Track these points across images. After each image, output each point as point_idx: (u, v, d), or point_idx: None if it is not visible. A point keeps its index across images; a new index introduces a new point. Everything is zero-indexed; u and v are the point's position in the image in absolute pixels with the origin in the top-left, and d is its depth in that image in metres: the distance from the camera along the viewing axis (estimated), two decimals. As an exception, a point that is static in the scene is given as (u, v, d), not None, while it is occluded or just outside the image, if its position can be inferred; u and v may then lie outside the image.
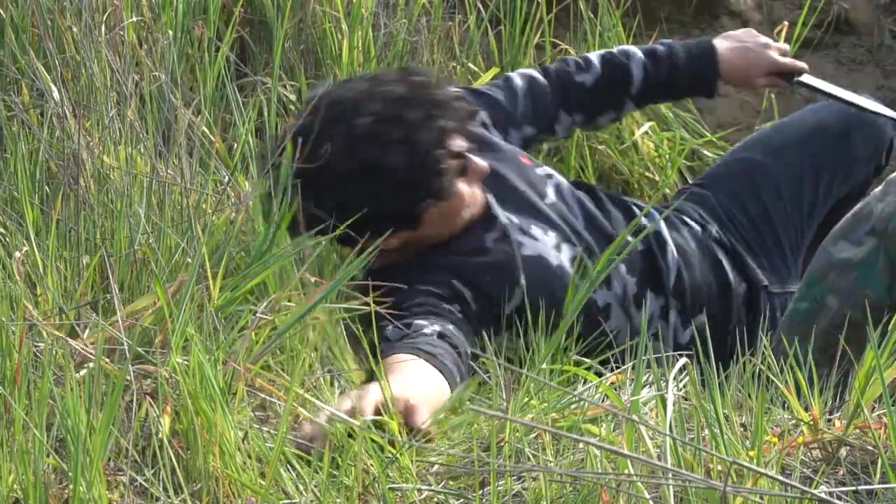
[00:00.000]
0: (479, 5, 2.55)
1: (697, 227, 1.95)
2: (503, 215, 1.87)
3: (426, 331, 1.62)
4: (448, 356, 1.60)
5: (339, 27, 2.37)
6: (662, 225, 1.90)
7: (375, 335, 1.58)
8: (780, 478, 1.16)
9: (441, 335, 1.63)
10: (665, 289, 1.87)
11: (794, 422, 1.38)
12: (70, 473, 1.12)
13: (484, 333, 1.68)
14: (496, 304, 1.77)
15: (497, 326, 1.74)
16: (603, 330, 1.80)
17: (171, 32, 2.08)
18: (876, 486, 1.22)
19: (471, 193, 1.83)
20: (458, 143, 1.81)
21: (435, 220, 1.81)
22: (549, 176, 1.95)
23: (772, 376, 1.43)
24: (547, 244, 1.83)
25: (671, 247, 1.89)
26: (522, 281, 1.79)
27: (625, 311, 1.83)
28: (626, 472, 1.21)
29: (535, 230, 1.85)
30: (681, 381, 1.39)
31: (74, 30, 1.94)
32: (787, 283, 1.99)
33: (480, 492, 1.22)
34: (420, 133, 1.77)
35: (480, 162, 1.83)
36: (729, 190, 2.09)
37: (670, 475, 1.18)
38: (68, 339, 1.33)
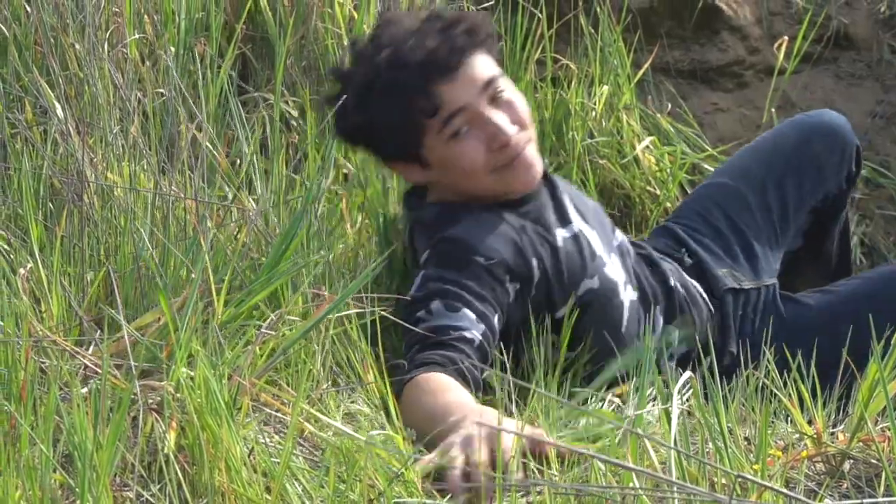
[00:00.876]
0: None
1: (668, 263, 1.98)
2: (580, 221, 1.84)
3: (468, 335, 1.59)
4: (477, 373, 1.59)
5: (340, 43, 2.36)
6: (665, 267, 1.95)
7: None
8: (785, 491, 1.15)
9: (480, 347, 1.59)
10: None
11: (797, 435, 1.37)
12: (77, 489, 1.11)
13: (531, 323, 1.66)
14: (549, 304, 1.74)
15: (545, 321, 1.71)
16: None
17: (173, 49, 2.07)
18: (880, 500, 1.21)
19: (468, 154, 1.76)
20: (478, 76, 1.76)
21: (440, 162, 1.77)
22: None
23: (775, 390, 1.42)
24: (621, 276, 1.81)
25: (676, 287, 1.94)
26: (583, 291, 1.76)
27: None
28: (630, 485, 1.20)
29: (614, 258, 1.83)
30: (685, 394, 1.38)
31: (77, 47, 1.93)
32: (761, 278, 2.02)
33: None
34: (410, 55, 1.75)
35: (493, 120, 1.75)
36: (691, 214, 2.11)
37: (675, 488, 1.17)
38: (76, 351, 1.32)
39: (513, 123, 1.75)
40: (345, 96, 1.76)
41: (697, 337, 1.86)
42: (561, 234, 1.78)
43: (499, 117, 1.73)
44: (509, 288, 1.67)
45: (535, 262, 1.71)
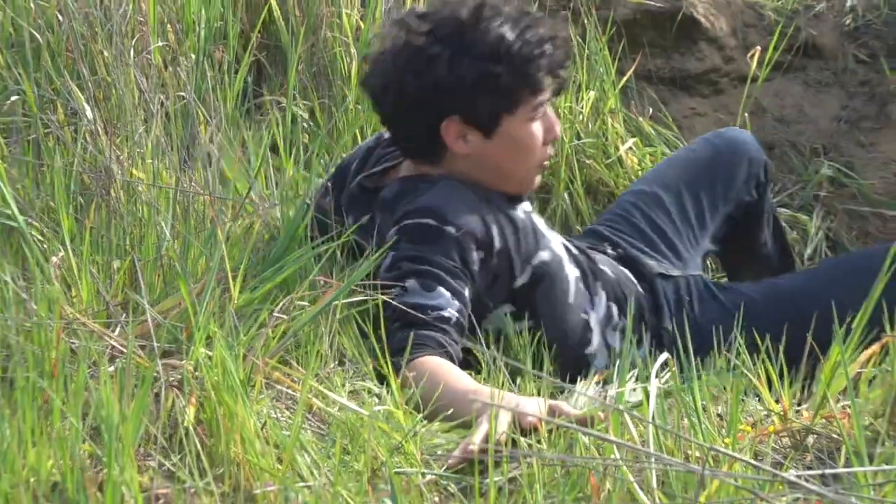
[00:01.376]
0: None
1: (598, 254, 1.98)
2: (529, 205, 1.84)
3: (445, 314, 1.56)
4: (458, 348, 1.57)
5: (348, 51, 2.33)
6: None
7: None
8: (754, 462, 1.15)
9: (457, 323, 1.57)
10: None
11: (765, 412, 1.37)
12: (104, 458, 1.10)
13: (491, 297, 1.66)
14: (510, 272, 1.72)
15: (504, 295, 1.71)
16: (588, 340, 1.82)
17: (193, 56, 2.05)
18: (840, 471, 1.21)
19: (536, 137, 1.76)
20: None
21: (508, 143, 1.75)
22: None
23: (745, 371, 1.41)
24: (564, 253, 1.81)
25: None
26: (528, 270, 1.75)
27: (601, 329, 1.86)
28: (612, 457, 1.20)
29: (556, 238, 1.83)
30: (662, 376, 1.37)
31: (105, 54, 1.92)
32: (687, 269, 2.02)
33: (479, 476, 1.21)
34: (529, 31, 1.73)
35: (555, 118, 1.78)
36: (614, 217, 2.11)
37: (653, 460, 1.17)
38: (103, 332, 1.31)
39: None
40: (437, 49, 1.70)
41: (633, 314, 1.86)
42: (517, 210, 1.78)
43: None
44: (475, 257, 1.65)
45: (496, 230, 1.68)
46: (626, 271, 1.93)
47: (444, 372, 1.46)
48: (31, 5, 2.04)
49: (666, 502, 1.15)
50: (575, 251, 1.85)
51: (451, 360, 1.51)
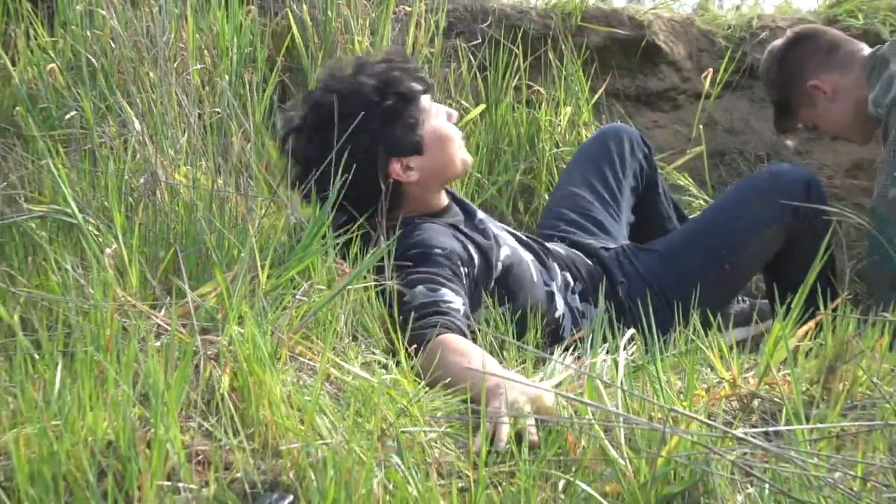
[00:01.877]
0: (470, 56, 2.48)
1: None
2: (481, 213, 1.83)
3: (454, 306, 1.52)
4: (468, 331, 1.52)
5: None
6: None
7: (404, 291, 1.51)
8: (707, 421, 1.14)
9: (466, 314, 1.54)
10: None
11: (717, 380, 1.35)
12: (151, 420, 1.09)
13: (477, 297, 1.65)
14: (488, 275, 1.70)
15: (487, 292, 1.69)
16: (555, 307, 1.80)
17: (227, 77, 2.02)
18: (781, 429, 1.20)
19: (445, 124, 1.75)
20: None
21: (435, 143, 1.73)
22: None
23: (701, 345, 1.40)
24: (515, 244, 1.79)
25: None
26: (500, 265, 1.73)
27: (563, 295, 1.85)
28: (587, 417, 1.18)
29: (506, 234, 1.82)
30: (629, 348, 1.36)
31: (151, 75, 1.88)
32: (618, 241, 2.02)
33: (473, 434, 1.19)
34: (395, 84, 1.71)
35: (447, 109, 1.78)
36: (547, 219, 2.11)
37: (621, 420, 1.15)
38: (150, 313, 1.29)
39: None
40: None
41: (587, 278, 1.87)
42: (476, 223, 1.78)
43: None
44: (463, 271, 1.63)
45: (472, 247, 1.67)
46: (576, 251, 1.93)
47: (465, 351, 1.41)
48: (88, 34, 2.01)
49: (632, 456, 1.13)
50: (525, 240, 1.85)
51: (467, 338, 1.47)
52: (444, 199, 1.79)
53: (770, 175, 2.05)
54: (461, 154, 1.78)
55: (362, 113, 1.60)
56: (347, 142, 1.54)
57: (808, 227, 1.93)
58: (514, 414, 1.18)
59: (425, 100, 1.73)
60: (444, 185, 1.79)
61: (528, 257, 1.78)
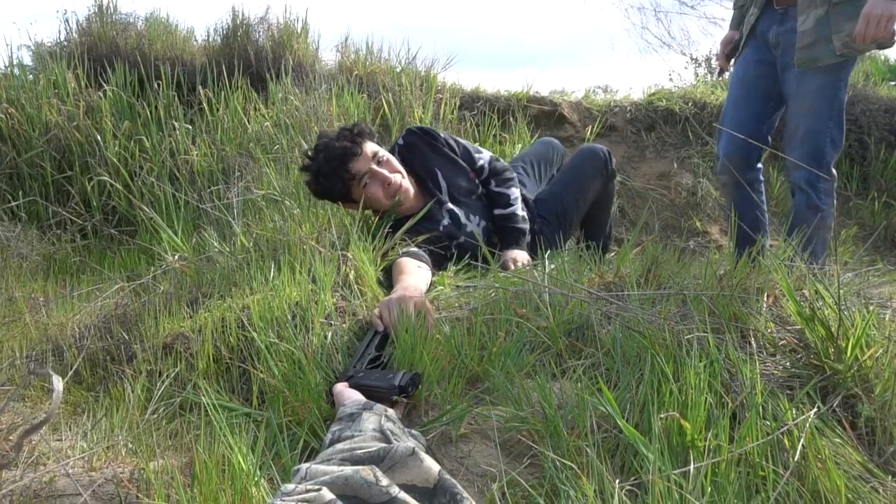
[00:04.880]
0: (470, 119, 3.19)
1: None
2: (450, 203, 2.16)
3: (430, 248, 1.97)
4: (429, 259, 1.88)
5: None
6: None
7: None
8: (590, 290, 1.50)
9: (433, 254, 1.98)
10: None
11: (595, 274, 1.68)
12: (319, 291, 1.60)
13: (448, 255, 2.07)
14: (448, 247, 2.08)
15: (450, 254, 2.06)
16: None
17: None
18: (626, 293, 1.45)
19: (376, 190, 2.06)
20: (362, 166, 2.06)
21: (363, 196, 2.08)
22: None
23: (583, 255, 1.83)
24: (473, 221, 2.15)
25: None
26: (463, 238, 2.10)
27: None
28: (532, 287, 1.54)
29: (471, 216, 2.15)
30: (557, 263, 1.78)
31: (315, 128, 2.43)
32: (531, 195, 2.37)
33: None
34: (336, 161, 2.05)
35: (383, 173, 2.06)
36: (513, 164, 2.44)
37: (547, 290, 1.51)
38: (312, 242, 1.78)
39: (392, 172, 2.11)
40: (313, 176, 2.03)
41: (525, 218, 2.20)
42: (445, 210, 2.12)
43: (384, 171, 2.10)
44: (452, 244, 2.03)
45: (441, 227, 2.07)
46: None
47: (406, 270, 1.75)
48: (284, 108, 2.58)
49: (551, 313, 1.44)
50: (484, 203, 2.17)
51: (425, 262, 1.84)
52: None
53: (588, 149, 2.44)
54: (389, 206, 2.05)
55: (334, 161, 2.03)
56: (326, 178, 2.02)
57: (608, 182, 2.36)
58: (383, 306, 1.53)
59: (359, 174, 2.00)
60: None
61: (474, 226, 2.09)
